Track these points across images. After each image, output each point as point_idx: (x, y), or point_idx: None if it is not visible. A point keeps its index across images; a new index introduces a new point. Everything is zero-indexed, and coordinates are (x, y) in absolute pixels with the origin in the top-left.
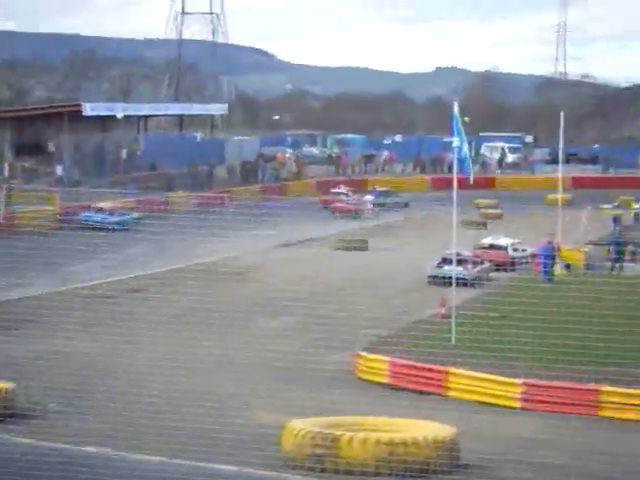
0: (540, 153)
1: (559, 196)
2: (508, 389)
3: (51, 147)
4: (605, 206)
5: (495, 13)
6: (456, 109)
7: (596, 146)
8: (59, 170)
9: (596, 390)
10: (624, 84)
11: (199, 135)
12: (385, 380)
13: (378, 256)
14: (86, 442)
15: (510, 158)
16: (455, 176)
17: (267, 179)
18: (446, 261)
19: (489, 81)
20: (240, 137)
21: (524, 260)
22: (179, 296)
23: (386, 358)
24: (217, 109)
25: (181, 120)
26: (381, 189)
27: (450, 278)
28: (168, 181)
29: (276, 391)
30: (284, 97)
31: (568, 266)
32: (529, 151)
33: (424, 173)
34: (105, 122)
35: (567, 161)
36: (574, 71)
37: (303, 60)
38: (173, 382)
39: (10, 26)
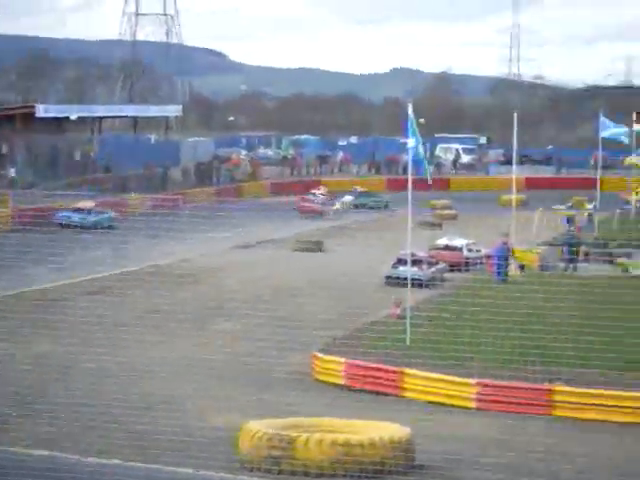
0: (494, 154)
1: (513, 197)
2: (463, 389)
3: (4, 149)
4: (558, 207)
5: (450, 15)
6: (410, 110)
7: (550, 147)
8: (12, 172)
9: (550, 390)
10: (578, 85)
11: (153, 137)
12: (341, 381)
13: (335, 257)
14: (38, 446)
15: (464, 159)
16: (410, 177)
17: (222, 181)
18: (401, 262)
19: (444, 82)
20: (195, 138)
21: (479, 261)
22: (135, 299)
23: (342, 359)
24: (172, 110)
25: (135, 122)
26: (361, 190)
27: (405, 279)
28: (122, 183)
29: (233, 393)
30: (239, 98)
31: (522, 267)
32: (483, 152)
33: (379, 174)
34: (59, 124)
35: (521, 162)
36: (528, 73)
37: (258, 61)
38: (129, 385)
39: None
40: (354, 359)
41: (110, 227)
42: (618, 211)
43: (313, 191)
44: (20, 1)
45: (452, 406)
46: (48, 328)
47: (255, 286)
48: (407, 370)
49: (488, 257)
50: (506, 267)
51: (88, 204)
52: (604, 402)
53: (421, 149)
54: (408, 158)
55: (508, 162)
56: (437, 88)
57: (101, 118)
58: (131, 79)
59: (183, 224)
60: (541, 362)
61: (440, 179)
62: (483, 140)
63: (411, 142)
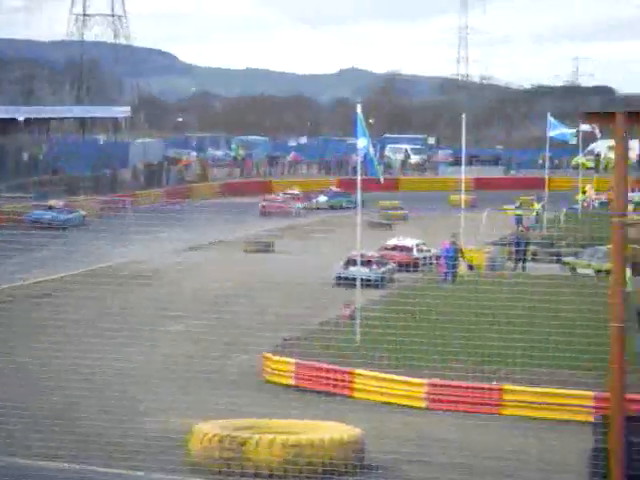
0: (443, 154)
1: (462, 197)
2: (413, 389)
3: None
4: (507, 207)
5: (398, 15)
6: (359, 110)
7: (498, 147)
8: None
9: (499, 389)
10: (526, 86)
11: (102, 138)
12: (292, 382)
13: (285, 258)
14: None
15: (414, 159)
16: (359, 178)
17: (171, 182)
18: (351, 262)
19: (393, 83)
20: (144, 140)
21: (428, 261)
22: (83, 301)
23: (292, 360)
24: (120, 111)
25: (84, 123)
26: (336, 190)
27: (355, 279)
28: (71, 184)
29: (183, 395)
30: (188, 99)
31: (471, 266)
32: (432, 152)
33: (329, 175)
34: (6, 125)
35: (470, 162)
36: (476, 73)
37: (207, 62)
38: (77, 388)
39: None
40: (304, 360)
41: (79, 226)
42: (564, 210)
43: (289, 191)
44: None
45: (402, 406)
46: None
47: (205, 288)
48: (357, 370)
49: (438, 257)
50: (455, 267)
51: (60, 203)
52: (553, 400)
53: (371, 149)
54: (358, 158)
55: (457, 162)
56: (386, 89)
57: (49, 119)
58: (80, 80)
59: (134, 225)
60: (490, 361)
61: (389, 179)
62: (432, 140)
63: (361, 142)
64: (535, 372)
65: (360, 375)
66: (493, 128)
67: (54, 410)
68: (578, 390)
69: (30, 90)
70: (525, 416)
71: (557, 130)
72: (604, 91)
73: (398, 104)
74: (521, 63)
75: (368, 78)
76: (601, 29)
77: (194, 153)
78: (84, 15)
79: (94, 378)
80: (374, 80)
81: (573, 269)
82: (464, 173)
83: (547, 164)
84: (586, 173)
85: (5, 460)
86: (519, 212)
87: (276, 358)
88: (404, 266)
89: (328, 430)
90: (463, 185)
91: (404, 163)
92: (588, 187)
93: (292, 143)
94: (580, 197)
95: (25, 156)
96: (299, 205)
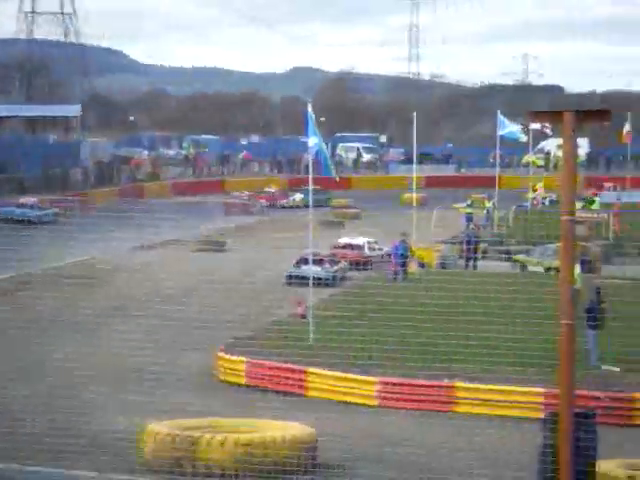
0: (395, 153)
1: (413, 195)
2: (365, 387)
3: None
4: (458, 205)
5: (350, 14)
6: (310, 109)
7: (449, 145)
8: None
9: (451, 387)
10: (477, 84)
11: (52, 137)
12: (244, 381)
13: (237, 256)
14: None
15: (365, 158)
16: (311, 176)
17: (123, 181)
18: (303, 261)
19: (344, 81)
20: (95, 139)
21: (380, 259)
22: (32, 300)
23: (244, 359)
24: (71, 110)
25: (34, 122)
26: (315, 187)
27: (307, 278)
28: (20, 184)
29: (134, 395)
30: (140, 98)
31: (422, 264)
32: (384, 151)
33: (281, 173)
34: None
35: (421, 161)
36: (427, 72)
37: (158, 61)
38: (27, 389)
39: None
40: (256, 359)
41: (52, 222)
42: (514, 208)
43: (267, 189)
44: None
45: (355, 404)
46: None
47: (155, 287)
48: (309, 369)
49: (389, 255)
50: (405, 265)
51: (31, 199)
52: (505, 398)
53: (324, 147)
54: (309, 157)
55: (408, 161)
56: (337, 87)
57: None
58: (29, 78)
59: (84, 225)
60: (442, 359)
61: (341, 178)
62: (384, 139)
63: (312, 141)
64: (487, 369)
65: (313, 374)
66: (444, 126)
67: (4, 411)
68: (529, 387)
69: None
70: (478, 413)
71: (507, 129)
72: (554, 90)
73: (350, 103)
74: (472, 62)
75: (321, 77)
76: (550, 29)
77: (146, 152)
78: (33, 13)
79: (41, 378)
80: (326, 79)
81: (523, 267)
82: (415, 171)
83: (498, 162)
84: (536, 171)
85: None
86: (469, 210)
87: (229, 357)
88: (356, 264)
89: (280, 429)
90: (414, 183)
91: (356, 162)
92: (538, 185)
93: (244, 142)
94: (530, 195)
95: None
96: (263, 203)
